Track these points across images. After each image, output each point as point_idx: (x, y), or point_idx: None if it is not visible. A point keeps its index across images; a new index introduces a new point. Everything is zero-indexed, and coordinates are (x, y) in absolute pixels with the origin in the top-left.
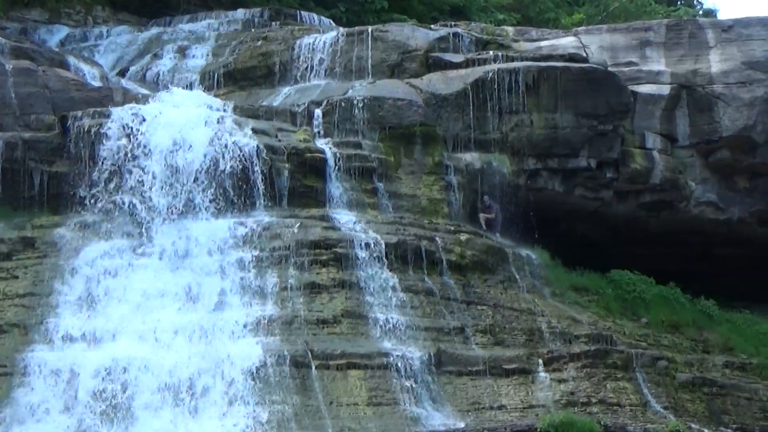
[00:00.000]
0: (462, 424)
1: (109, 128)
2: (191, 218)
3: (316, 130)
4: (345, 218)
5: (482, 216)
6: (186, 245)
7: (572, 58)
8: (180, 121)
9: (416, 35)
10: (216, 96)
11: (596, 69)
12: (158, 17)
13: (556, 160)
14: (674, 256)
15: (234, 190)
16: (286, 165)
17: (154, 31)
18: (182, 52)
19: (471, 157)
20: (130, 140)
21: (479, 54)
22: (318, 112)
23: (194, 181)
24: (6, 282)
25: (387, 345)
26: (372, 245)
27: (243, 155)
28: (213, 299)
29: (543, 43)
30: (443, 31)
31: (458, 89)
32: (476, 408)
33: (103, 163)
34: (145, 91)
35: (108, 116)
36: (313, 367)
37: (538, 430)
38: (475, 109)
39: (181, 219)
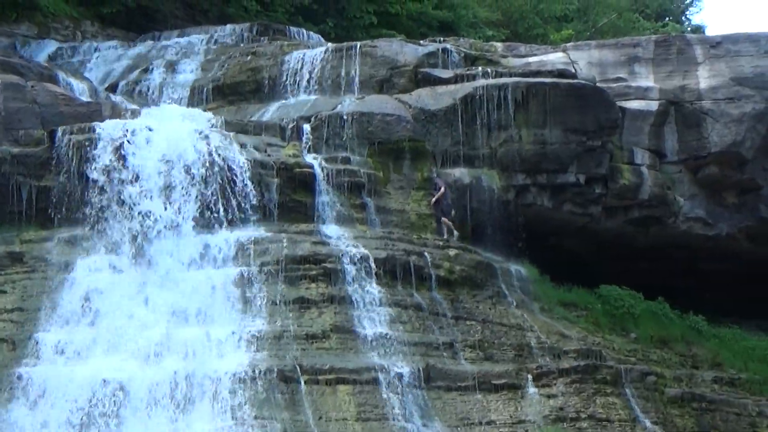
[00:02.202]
0: None
1: (98, 143)
2: (180, 233)
3: (305, 145)
4: (334, 233)
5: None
6: (174, 260)
7: (561, 74)
8: (168, 136)
9: (405, 51)
10: (205, 111)
11: (585, 85)
12: (147, 32)
13: (545, 175)
14: (663, 271)
15: (223, 205)
16: (275, 180)
17: (143, 46)
18: (171, 67)
19: (460, 173)
20: (118, 155)
21: (468, 70)
22: (307, 127)
23: (182, 196)
24: None
25: (376, 360)
26: (361, 260)
27: (232, 170)
28: (201, 314)
29: (532, 59)
30: (432, 47)
31: (447, 105)
32: (465, 423)
33: (91, 177)
34: (134, 106)
35: (97, 131)
36: (302, 382)
37: None
38: (464, 124)
39: (169, 234)
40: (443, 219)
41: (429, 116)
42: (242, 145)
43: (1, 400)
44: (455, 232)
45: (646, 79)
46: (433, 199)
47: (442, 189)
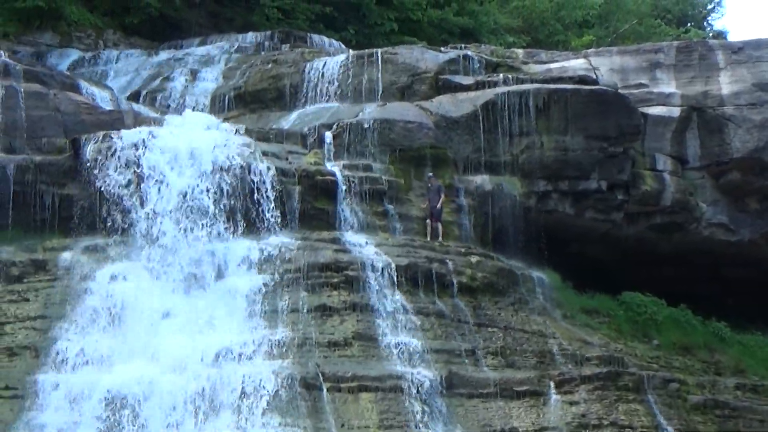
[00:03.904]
0: None
1: (120, 151)
2: (202, 241)
3: (326, 152)
4: (356, 241)
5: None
6: (197, 268)
7: (582, 80)
8: (191, 144)
9: (426, 57)
10: (227, 119)
11: (606, 91)
12: (169, 41)
13: (567, 182)
14: (685, 277)
15: (245, 213)
16: (297, 188)
17: (165, 54)
18: (193, 75)
19: (481, 180)
20: (140, 163)
21: (489, 76)
22: (328, 134)
23: (204, 204)
24: (17, 305)
25: (398, 367)
26: (383, 268)
27: (253, 178)
28: (224, 322)
29: (553, 66)
30: (453, 54)
31: (468, 112)
32: (487, 430)
33: (113, 186)
34: (155, 115)
35: (119, 139)
36: (325, 390)
37: None
38: (485, 131)
39: (191, 242)
40: (430, 221)
41: (450, 123)
42: (264, 153)
43: (25, 406)
44: (440, 237)
45: (667, 85)
46: (439, 204)
47: (443, 195)
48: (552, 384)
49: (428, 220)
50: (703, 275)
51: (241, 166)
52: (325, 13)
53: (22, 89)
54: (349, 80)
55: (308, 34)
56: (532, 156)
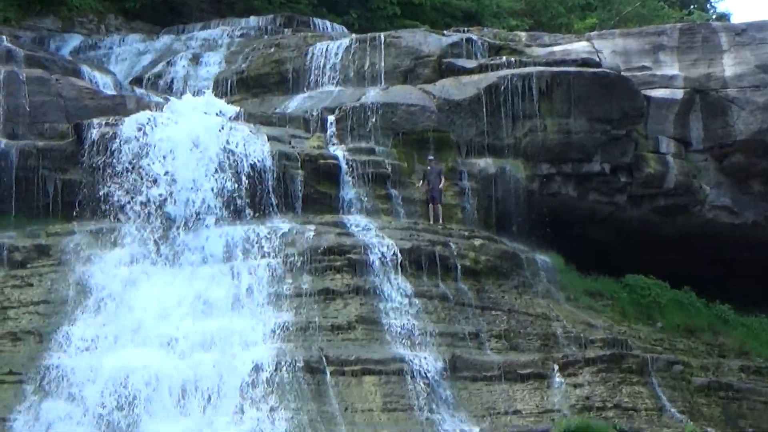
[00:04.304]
0: (477, 430)
1: (123, 136)
2: (205, 226)
3: (329, 136)
4: (359, 224)
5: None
6: (200, 252)
7: (585, 63)
8: (193, 129)
9: (429, 41)
10: (229, 103)
11: (609, 74)
12: (171, 25)
13: (570, 165)
14: (689, 260)
15: (248, 196)
16: (300, 171)
17: (167, 39)
18: (195, 59)
19: (485, 163)
20: (143, 148)
21: (492, 59)
22: (331, 118)
23: (207, 188)
24: (21, 290)
25: (402, 351)
26: (386, 251)
27: (256, 162)
28: (227, 306)
29: (556, 48)
30: (456, 37)
31: (471, 95)
32: (491, 413)
33: (116, 171)
34: (158, 99)
35: (121, 124)
36: (328, 373)
37: None
38: (488, 114)
39: (195, 226)
40: (432, 205)
41: (453, 106)
42: (267, 137)
43: (29, 391)
44: (440, 220)
45: (670, 67)
46: (436, 185)
47: (443, 178)
48: (556, 367)
49: (430, 204)
50: (706, 258)
51: (245, 151)
52: None
53: (24, 74)
54: (352, 64)
55: (311, 18)
56: (535, 139)
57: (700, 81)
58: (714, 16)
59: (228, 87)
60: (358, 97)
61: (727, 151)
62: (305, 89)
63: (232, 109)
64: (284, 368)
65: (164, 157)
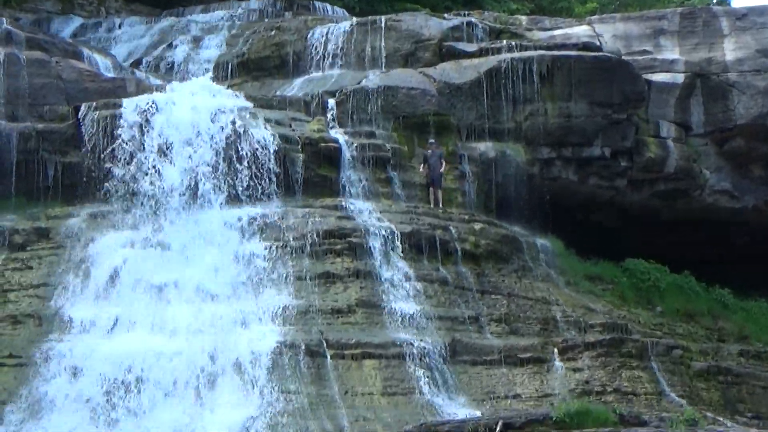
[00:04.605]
0: (477, 413)
1: (123, 119)
2: (206, 208)
3: (329, 119)
4: (359, 208)
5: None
6: (200, 235)
7: (586, 47)
8: (194, 112)
9: (429, 24)
10: (230, 86)
11: (610, 58)
12: (171, 8)
13: (570, 149)
14: (689, 244)
15: (248, 180)
16: (300, 155)
17: (168, 21)
18: (196, 42)
19: (485, 147)
20: (143, 131)
21: (493, 43)
22: (332, 102)
23: (208, 171)
24: (20, 272)
25: (402, 334)
26: (386, 235)
27: (257, 145)
28: (227, 289)
29: (556, 32)
30: (456, 21)
31: (472, 78)
32: (491, 397)
33: (116, 153)
34: (158, 82)
35: (121, 107)
36: (328, 357)
37: (554, 419)
38: (488, 98)
39: (195, 209)
40: (432, 188)
41: (454, 90)
42: (267, 121)
43: (28, 374)
44: (440, 203)
45: (671, 51)
46: (437, 168)
47: (443, 161)
48: (556, 351)
49: (430, 188)
50: (706, 242)
51: (245, 133)
52: None
53: (25, 57)
54: (353, 47)
55: (311, 1)
56: (536, 123)
57: (700, 65)
58: (714, 1)
59: (228, 70)
60: (359, 80)
61: (728, 136)
62: (306, 72)
63: (233, 93)
64: (284, 352)
65: (164, 140)
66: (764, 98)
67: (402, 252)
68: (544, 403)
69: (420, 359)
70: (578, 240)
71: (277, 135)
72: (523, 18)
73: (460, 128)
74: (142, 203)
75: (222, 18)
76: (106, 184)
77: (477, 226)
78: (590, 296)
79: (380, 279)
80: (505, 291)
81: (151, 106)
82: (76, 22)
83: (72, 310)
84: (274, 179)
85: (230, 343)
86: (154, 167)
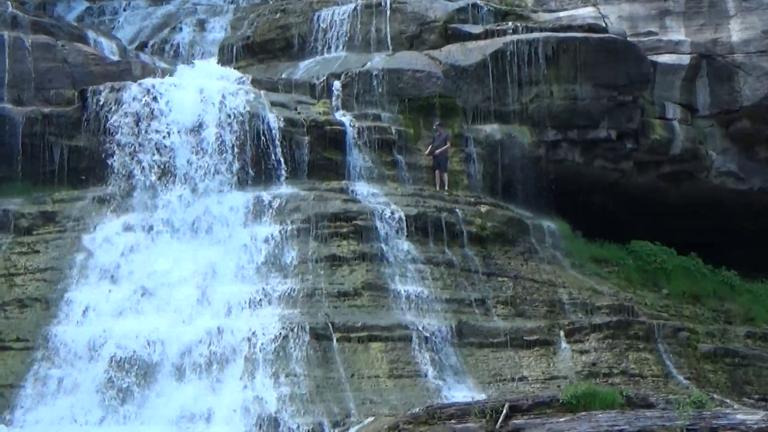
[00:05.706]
0: (483, 396)
1: (128, 102)
2: (211, 192)
3: (335, 102)
4: (365, 190)
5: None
6: (206, 219)
7: (591, 28)
8: (199, 95)
9: (435, 6)
10: (235, 69)
11: (615, 39)
12: None
13: (576, 131)
14: (695, 226)
15: (253, 163)
16: (306, 138)
17: (172, 4)
18: (201, 25)
19: (491, 129)
20: (148, 114)
21: (498, 25)
22: (337, 84)
23: (213, 154)
24: (27, 256)
25: (408, 317)
26: (392, 217)
27: (262, 128)
28: (233, 272)
29: (562, 14)
30: (462, 2)
31: (477, 60)
32: (498, 380)
33: (122, 137)
34: (163, 65)
35: (127, 90)
36: (335, 340)
37: (561, 401)
38: (494, 80)
39: (200, 192)
40: (438, 171)
41: (459, 72)
42: (272, 103)
43: (35, 358)
44: (446, 186)
45: (677, 32)
46: (437, 151)
47: (449, 143)
48: (562, 333)
49: (436, 170)
50: (712, 224)
51: (250, 117)
52: None
53: (30, 40)
54: (358, 30)
55: None
56: (542, 105)
57: (706, 46)
58: None
59: (233, 53)
60: (364, 62)
61: (734, 117)
62: (311, 55)
63: (239, 75)
64: (290, 335)
65: (169, 123)
66: None
67: (408, 235)
68: (551, 385)
69: (426, 342)
70: (584, 222)
71: (282, 118)
72: (529, 0)
73: (465, 110)
74: (148, 187)
75: (227, 0)
76: (112, 167)
77: (483, 209)
78: (596, 278)
79: (386, 262)
80: (512, 273)
81: (157, 90)
82: (81, 5)
83: (78, 294)
84: (280, 162)
85: (236, 327)
86: (159, 150)
